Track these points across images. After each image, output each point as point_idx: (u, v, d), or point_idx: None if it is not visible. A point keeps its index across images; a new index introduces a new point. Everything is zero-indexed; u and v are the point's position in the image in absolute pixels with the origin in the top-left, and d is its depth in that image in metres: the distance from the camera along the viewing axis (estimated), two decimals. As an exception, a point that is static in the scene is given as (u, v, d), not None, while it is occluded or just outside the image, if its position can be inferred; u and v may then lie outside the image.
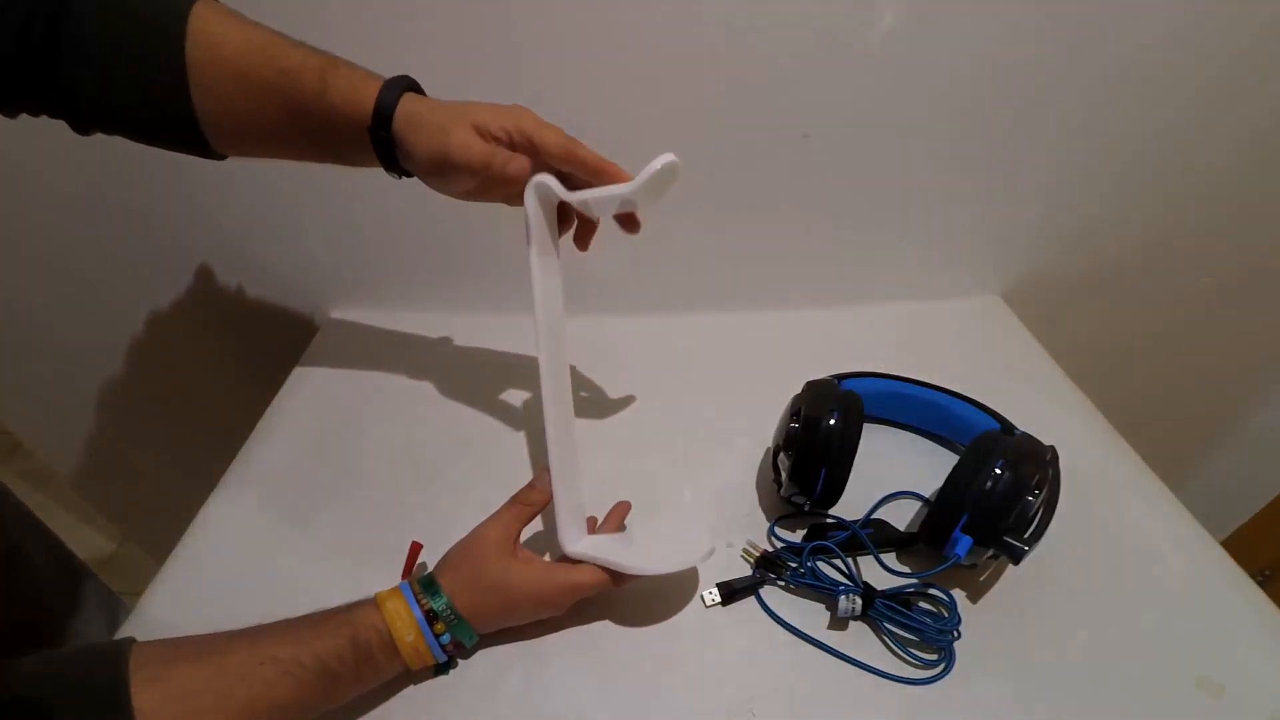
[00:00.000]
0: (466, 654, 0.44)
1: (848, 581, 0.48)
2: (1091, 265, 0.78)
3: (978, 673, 0.44)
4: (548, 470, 0.47)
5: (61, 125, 0.41)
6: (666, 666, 0.44)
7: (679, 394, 0.65)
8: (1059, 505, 0.47)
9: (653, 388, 0.66)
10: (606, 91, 0.60)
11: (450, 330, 0.73)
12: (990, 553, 0.45)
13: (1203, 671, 0.43)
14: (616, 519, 0.51)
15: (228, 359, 0.84)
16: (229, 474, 0.58)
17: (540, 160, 0.44)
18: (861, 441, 0.49)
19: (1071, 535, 0.49)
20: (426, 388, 0.67)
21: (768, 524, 0.53)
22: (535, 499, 0.46)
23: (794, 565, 0.49)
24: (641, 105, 0.61)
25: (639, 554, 0.45)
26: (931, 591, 0.46)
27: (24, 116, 0.41)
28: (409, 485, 0.57)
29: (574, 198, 0.45)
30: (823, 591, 0.47)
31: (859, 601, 0.45)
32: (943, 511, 0.46)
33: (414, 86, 0.44)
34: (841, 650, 0.45)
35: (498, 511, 0.46)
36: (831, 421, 0.49)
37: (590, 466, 0.52)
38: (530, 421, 0.63)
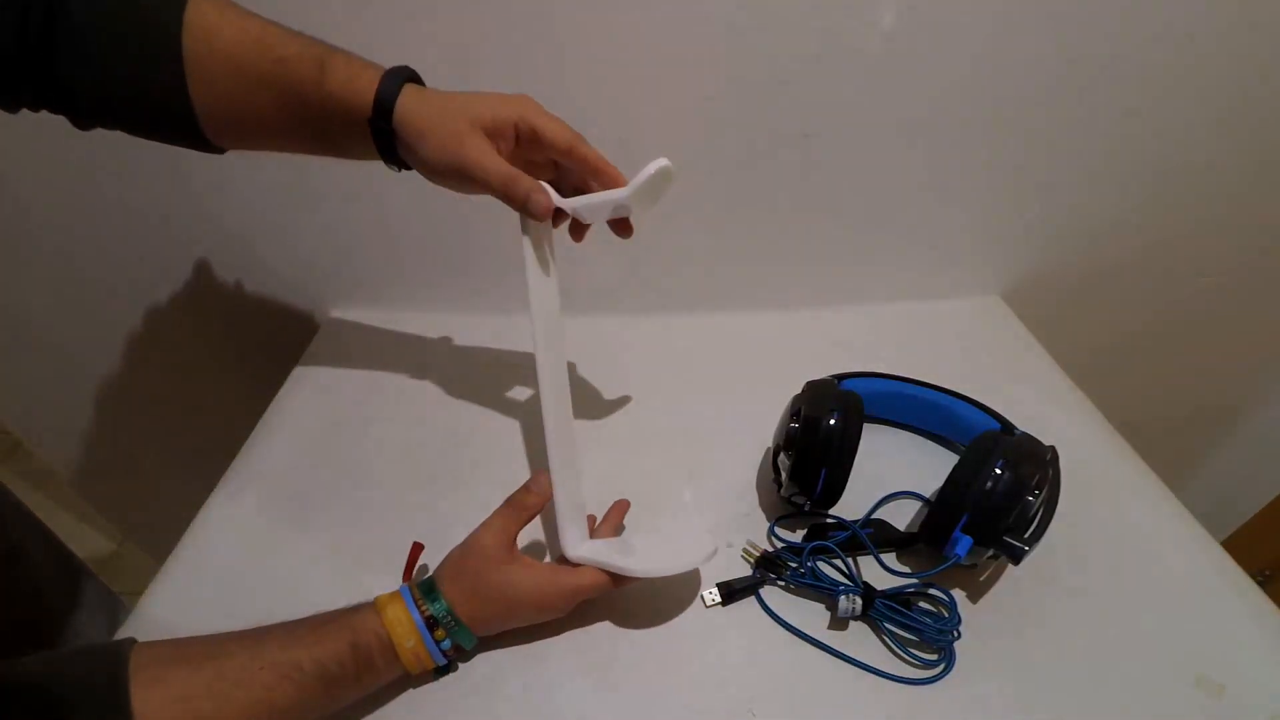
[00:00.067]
0: (466, 657, 0.44)
1: (848, 581, 0.48)
2: (1091, 265, 0.78)
3: (978, 673, 0.44)
4: (545, 471, 0.46)
5: (61, 123, 0.41)
6: (667, 667, 0.44)
7: (679, 394, 0.65)
8: (1059, 505, 0.46)
9: (652, 388, 0.66)
10: (606, 91, 0.60)
11: (450, 330, 0.73)
12: (990, 553, 0.45)
13: (1203, 671, 0.43)
14: (616, 518, 0.51)
15: (228, 359, 0.84)
16: (229, 474, 0.58)
17: (542, 152, 0.44)
18: (861, 441, 0.49)
19: (1071, 535, 0.49)
20: (426, 387, 0.67)
21: (768, 524, 0.53)
22: (531, 503, 0.45)
23: (794, 565, 0.49)
24: (641, 105, 0.61)
25: (641, 557, 0.45)
26: (931, 591, 0.46)
27: (25, 113, 0.41)
28: (409, 485, 0.57)
29: (568, 204, 0.45)
30: (823, 591, 0.47)
31: (859, 601, 0.45)
32: (943, 511, 0.46)
33: (414, 77, 0.44)
34: (841, 650, 0.45)
35: (492, 516, 0.45)
36: (831, 421, 0.48)
37: (590, 466, 0.52)
38: (530, 421, 0.63)
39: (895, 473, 0.56)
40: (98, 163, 0.65)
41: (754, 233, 0.72)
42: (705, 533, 0.51)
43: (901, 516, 0.54)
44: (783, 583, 0.49)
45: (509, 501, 0.45)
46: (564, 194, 0.47)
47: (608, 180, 0.44)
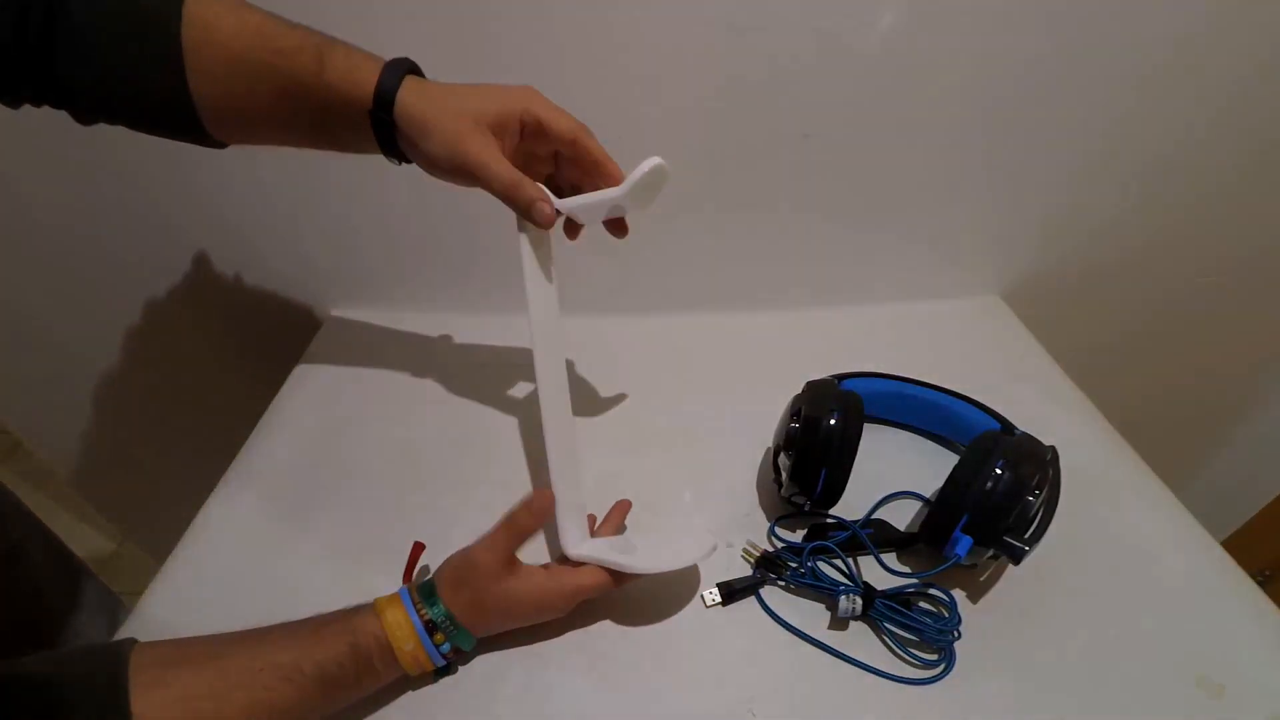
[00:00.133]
0: (466, 659, 0.44)
1: (848, 581, 0.48)
2: (1091, 265, 0.78)
3: (978, 673, 0.44)
4: (544, 490, 0.44)
5: (61, 121, 0.41)
6: (666, 666, 0.44)
7: (679, 394, 0.65)
8: (1059, 505, 0.46)
9: (652, 388, 0.66)
10: (606, 91, 0.60)
11: (450, 330, 0.73)
12: (990, 553, 0.45)
13: (1203, 671, 0.44)
14: (617, 518, 0.51)
15: (228, 358, 0.84)
16: (229, 473, 0.58)
17: (546, 145, 0.44)
18: (861, 441, 0.49)
19: (1071, 535, 0.49)
20: (427, 387, 0.67)
21: (768, 524, 0.53)
22: (529, 524, 0.42)
23: (794, 565, 0.49)
24: (641, 105, 0.61)
25: (641, 554, 0.45)
26: (931, 591, 0.46)
27: (26, 111, 0.41)
28: (409, 485, 0.57)
29: (563, 205, 0.45)
30: (823, 591, 0.47)
31: (859, 601, 0.45)
32: (943, 511, 0.46)
33: (415, 69, 0.43)
34: (841, 650, 0.45)
35: (490, 534, 0.42)
36: (831, 421, 0.48)
37: (590, 466, 0.52)
38: (531, 421, 0.63)
39: (895, 473, 0.56)
40: (98, 162, 0.64)
41: (754, 233, 0.72)
42: (705, 531, 0.51)
43: (901, 516, 0.54)
44: (783, 583, 0.49)
45: (508, 520, 0.43)
46: (560, 189, 0.47)
47: (607, 176, 0.44)
